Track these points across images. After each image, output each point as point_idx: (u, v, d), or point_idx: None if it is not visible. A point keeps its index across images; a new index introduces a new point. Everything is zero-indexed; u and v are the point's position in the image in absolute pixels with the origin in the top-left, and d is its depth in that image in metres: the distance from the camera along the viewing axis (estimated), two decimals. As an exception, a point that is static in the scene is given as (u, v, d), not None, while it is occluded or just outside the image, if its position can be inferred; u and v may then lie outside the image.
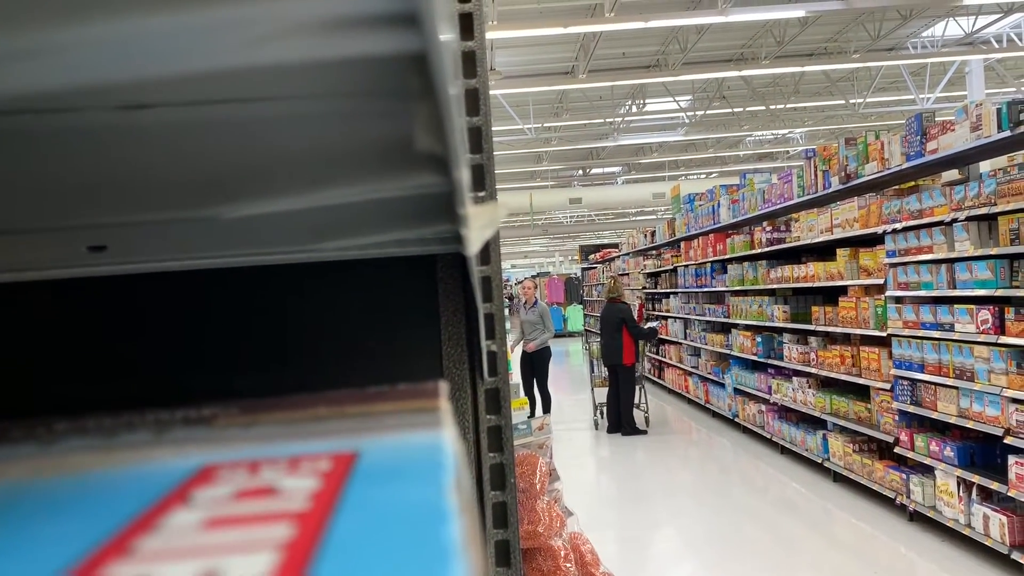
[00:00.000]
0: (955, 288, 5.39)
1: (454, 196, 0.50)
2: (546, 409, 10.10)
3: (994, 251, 5.01)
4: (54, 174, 0.49)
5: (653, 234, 15.09)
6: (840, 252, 7.00)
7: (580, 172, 26.83)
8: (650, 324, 12.09)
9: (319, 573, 0.17)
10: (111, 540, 0.19)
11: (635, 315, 11.54)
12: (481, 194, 1.07)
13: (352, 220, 0.68)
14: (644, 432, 10.11)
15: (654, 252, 14.96)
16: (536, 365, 10.17)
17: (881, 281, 6.30)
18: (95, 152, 0.46)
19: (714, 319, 10.69)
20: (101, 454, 0.29)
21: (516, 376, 8.84)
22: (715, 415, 10.92)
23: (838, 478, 7.23)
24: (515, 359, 9.89)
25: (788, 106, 18.41)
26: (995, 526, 5.07)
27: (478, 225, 0.54)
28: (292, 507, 0.21)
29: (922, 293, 5.75)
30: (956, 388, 5.42)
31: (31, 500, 0.23)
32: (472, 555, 0.18)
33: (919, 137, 5.83)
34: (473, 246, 0.54)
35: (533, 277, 13.20)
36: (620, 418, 10.08)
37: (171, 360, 0.85)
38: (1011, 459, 4.93)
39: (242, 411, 0.37)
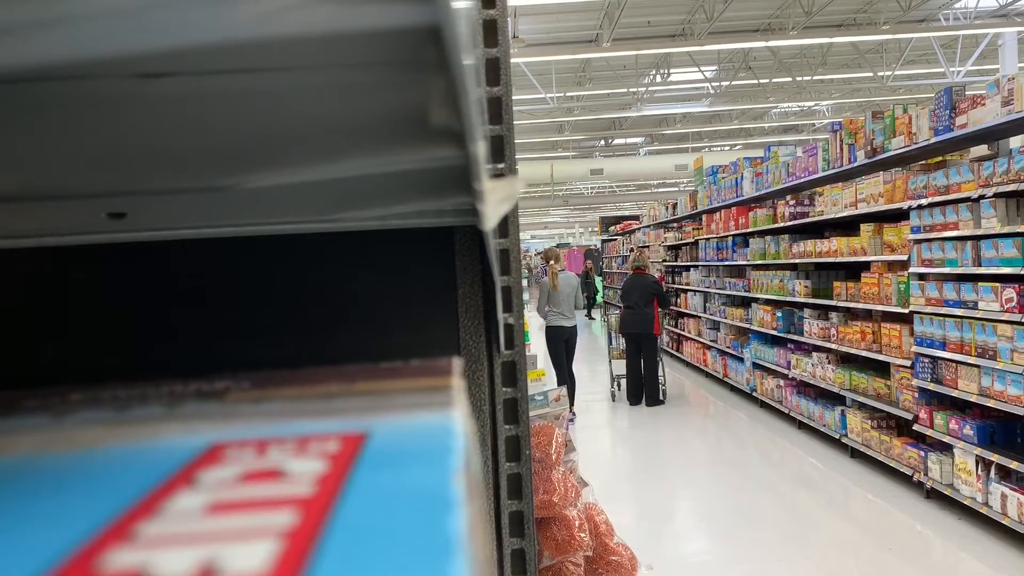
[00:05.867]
0: (980, 266, 5.32)
1: (470, 170, 0.50)
2: (570, 396, 8.64)
3: (1022, 228, 4.94)
4: (74, 141, 0.49)
5: (675, 206, 14.99)
6: (864, 227, 6.92)
7: (602, 142, 26.64)
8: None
9: (319, 565, 0.17)
10: (113, 523, 0.19)
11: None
12: (500, 165, 1.06)
13: (370, 191, 0.67)
14: (662, 402, 10.17)
15: (675, 225, 14.87)
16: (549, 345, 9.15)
17: (905, 257, 6.23)
18: (115, 120, 0.46)
19: (734, 293, 10.64)
20: (111, 428, 0.29)
21: (534, 348, 8.31)
22: (733, 389, 10.91)
23: (855, 454, 7.22)
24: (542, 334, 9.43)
25: (815, 78, 18.12)
26: (1013, 505, 5.04)
27: (495, 200, 0.53)
28: (297, 492, 0.21)
29: (946, 270, 5.68)
30: (978, 366, 5.38)
31: (37, 476, 0.23)
32: (475, 547, 0.18)
33: (948, 111, 5.72)
34: (490, 221, 0.54)
35: (556, 247, 12.13)
36: (644, 389, 10.10)
37: (187, 327, 0.86)
38: (1032, 439, 4.90)
39: (254, 385, 0.37)
